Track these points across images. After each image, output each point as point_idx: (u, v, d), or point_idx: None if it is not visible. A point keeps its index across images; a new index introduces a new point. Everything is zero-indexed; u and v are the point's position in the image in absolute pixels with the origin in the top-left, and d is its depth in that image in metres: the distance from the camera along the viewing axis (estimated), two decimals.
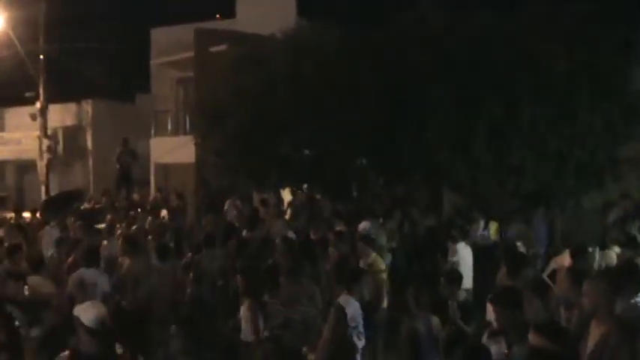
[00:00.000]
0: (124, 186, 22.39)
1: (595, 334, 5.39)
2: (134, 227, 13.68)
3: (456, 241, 11.39)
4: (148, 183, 26.23)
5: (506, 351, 5.48)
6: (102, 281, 8.83)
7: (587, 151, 13.28)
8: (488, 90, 12.95)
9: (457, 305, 7.25)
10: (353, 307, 7.40)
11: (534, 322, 5.28)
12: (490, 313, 6.16)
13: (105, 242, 11.95)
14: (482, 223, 13.45)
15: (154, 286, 9.38)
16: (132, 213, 16.60)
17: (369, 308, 8.80)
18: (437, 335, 6.88)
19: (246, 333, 8.03)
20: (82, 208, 18.21)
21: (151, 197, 22.05)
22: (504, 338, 5.63)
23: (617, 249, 9.78)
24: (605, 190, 14.01)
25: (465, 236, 11.74)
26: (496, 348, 5.52)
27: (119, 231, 13.41)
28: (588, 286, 5.59)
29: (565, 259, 9.17)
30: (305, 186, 17.55)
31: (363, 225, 12.74)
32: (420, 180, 15.28)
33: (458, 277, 8.16)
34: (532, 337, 4.96)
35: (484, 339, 5.91)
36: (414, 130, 13.69)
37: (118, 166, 22.63)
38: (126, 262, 10.15)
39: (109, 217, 15.04)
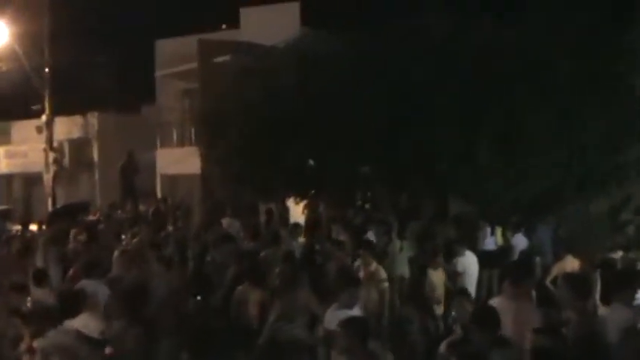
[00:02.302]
0: (130, 198, 22.42)
1: None
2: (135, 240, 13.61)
3: (459, 254, 11.24)
4: (154, 194, 26.27)
5: None
6: (102, 292, 8.80)
7: (589, 159, 13.23)
8: (491, 99, 12.94)
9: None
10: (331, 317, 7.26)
11: (534, 327, 5.27)
12: None
13: None
14: (488, 230, 13.43)
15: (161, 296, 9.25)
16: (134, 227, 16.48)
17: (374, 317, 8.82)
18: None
19: None
20: (85, 219, 18.22)
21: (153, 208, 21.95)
22: None
23: (620, 253, 9.77)
24: (611, 195, 13.92)
25: (471, 245, 11.67)
26: None
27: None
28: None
29: (567, 265, 9.15)
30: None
31: (369, 235, 12.72)
32: (423, 189, 15.22)
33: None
34: (534, 339, 4.92)
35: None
36: (418, 138, 13.67)
37: (121, 179, 22.68)
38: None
39: (101, 226, 14.97)
